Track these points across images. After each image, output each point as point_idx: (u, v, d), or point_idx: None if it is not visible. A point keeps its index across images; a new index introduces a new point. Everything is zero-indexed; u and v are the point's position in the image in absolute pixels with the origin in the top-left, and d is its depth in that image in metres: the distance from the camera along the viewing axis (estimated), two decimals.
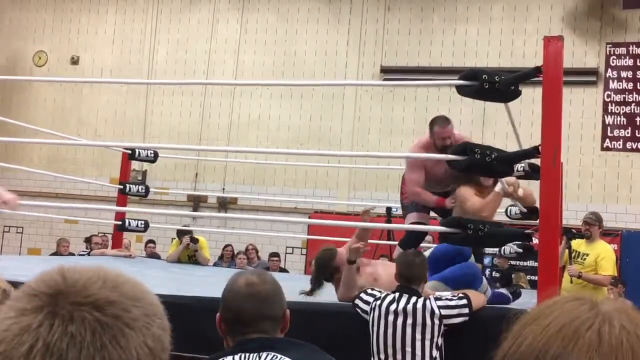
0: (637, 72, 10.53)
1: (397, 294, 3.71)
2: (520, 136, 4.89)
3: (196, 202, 11.89)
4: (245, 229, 9.99)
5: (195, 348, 3.23)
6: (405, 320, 3.61)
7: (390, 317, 3.64)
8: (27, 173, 10.71)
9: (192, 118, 12.17)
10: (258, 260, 9.83)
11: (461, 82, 3.92)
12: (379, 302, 3.73)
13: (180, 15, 12.49)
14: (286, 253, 11.23)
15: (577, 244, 6.74)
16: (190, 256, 8.01)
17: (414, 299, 3.65)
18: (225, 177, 11.88)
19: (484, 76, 3.79)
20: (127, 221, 7.48)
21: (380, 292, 3.84)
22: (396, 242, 5.72)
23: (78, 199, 11.86)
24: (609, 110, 10.55)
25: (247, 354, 1.83)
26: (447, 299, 3.70)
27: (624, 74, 10.56)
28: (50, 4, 13.15)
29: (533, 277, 8.45)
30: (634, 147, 10.41)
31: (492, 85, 3.77)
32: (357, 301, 3.88)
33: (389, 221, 8.06)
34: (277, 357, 1.80)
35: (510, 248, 5.57)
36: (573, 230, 6.87)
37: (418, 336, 3.59)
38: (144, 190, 7.62)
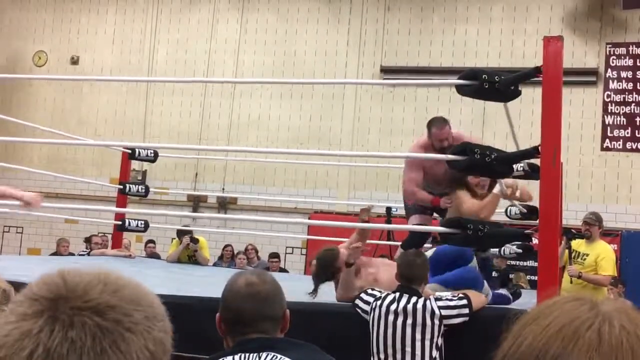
0: (637, 72, 10.53)
1: (397, 294, 3.71)
2: (520, 136, 4.89)
3: (196, 202, 11.89)
4: (245, 229, 9.98)
5: (195, 348, 3.23)
6: (405, 320, 3.61)
7: (391, 317, 3.64)
8: (27, 173, 10.70)
9: (192, 118, 12.17)
10: (258, 261, 9.83)
11: (461, 81, 3.92)
12: (379, 302, 3.73)
13: (180, 15, 12.49)
14: (286, 253, 11.23)
15: (577, 244, 6.74)
16: (190, 256, 8.01)
17: (414, 299, 3.65)
18: (225, 177, 11.89)
19: (483, 76, 3.79)
20: (127, 221, 7.48)
21: (380, 292, 3.84)
22: (396, 243, 5.73)
23: (78, 199, 11.86)
24: (609, 111, 10.55)
25: (247, 354, 1.83)
26: (447, 299, 3.71)
27: (623, 74, 10.56)
28: (50, 4, 13.15)
29: (533, 277, 8.45)
30: (634, 147, 10.41)
31: (492, 85, 3.77)
32: (358, 301, 3.88)
33: (388, 221, 8.07)
34: (277, 357, 1.80)
35: (510, 249, 5.58)
36: (573, 230, 6.87)
37: (418, 336, 3.59)
38: (143, 190, 7.62)
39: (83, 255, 8.63)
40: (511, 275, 8.87)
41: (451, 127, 5.01)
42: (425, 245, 5.20)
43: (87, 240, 9.32)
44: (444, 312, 3.63)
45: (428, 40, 11.40)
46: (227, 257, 9.74)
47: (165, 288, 4.46)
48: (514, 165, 3.96)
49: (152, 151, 7.58)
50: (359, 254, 4.27)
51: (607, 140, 10.51)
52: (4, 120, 7.21)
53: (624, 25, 10.67)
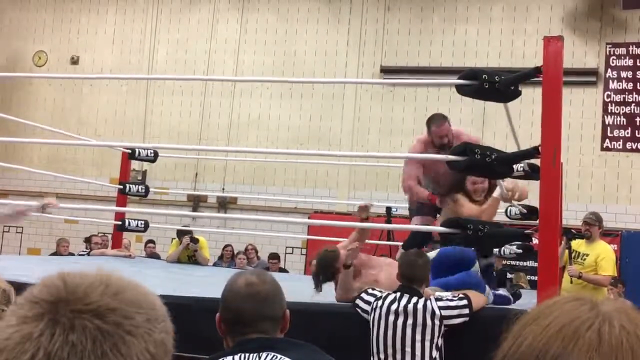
0: (637, 72, 10.52)
1: (398, 294, 3.71)
2: (520, 136, 4.89)
3: (196, 202, 11.88)
4: (245, 229, 9.98)
5: (195, 348, 3.22)
6: (405, 320, 3.61)
7: (391, 317, 3.64)
8: (27, 173, 10.71)
9: (192, 118, 12.17)
10: (258, 260, 9.83)
11: (461, 81, 3.92)
12: (380, 302, 3.73)
13: (180, 15, 12.49)
14: (286, 253, 11.23)
15: (577, 244, 6.73)
16: (190, 256, 8.01)
17: (414, 299, 3.65)
18: (225, 177, 11.88)
19: (484, 76, 3.79)
20: (127, 221, 7.48)
21: (381, 292, 3.84)
22: (396, 243, 5.73)
23: (78, 198, 11.85)
24: (609, 111, 10.55)
25: (247, 354, 1.83)
26: (447, 299, 3.70)
27: (623, 74, 10.56)
28: (50, 4, 13.15)
29: (533, 277, 8.44)
30: (634, 147, 10.41)
31: (492, 85, 3.77)
32: (358, 301, 3.88)
33: (388, 221, 8.07)
34: (277, 357, 1.80)
35: (510, 249, 5.58)
36: (573, 230, 6.86)
37: (418, 337, 3.59)
38: (143, 190, 7.62)
39: (83, 255, 8.62)
40: (511, 275, 8.87)
41: (451, 124, 5.02)
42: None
43: (87, 240, 9.31)
44: (444, 313, 3.62)
45: (428, 40, 11.40)
46: (227, 257, 9.74)
47: (165, 288, 4.45)
48: (514, 166, 3.96)
49: (152, 151, 7.58)
50: (357, 256, 4.27)
51: (607, 141, 10.51)
52: (4, 120, 7.22)
53: (624, 25, 10.67)
